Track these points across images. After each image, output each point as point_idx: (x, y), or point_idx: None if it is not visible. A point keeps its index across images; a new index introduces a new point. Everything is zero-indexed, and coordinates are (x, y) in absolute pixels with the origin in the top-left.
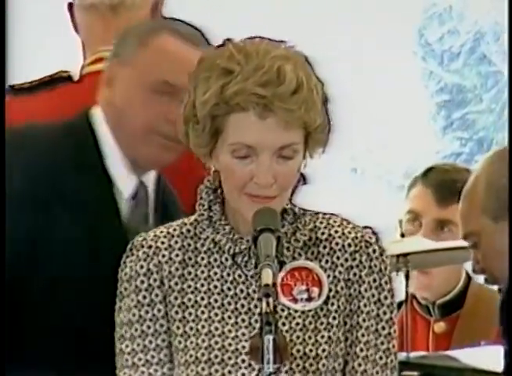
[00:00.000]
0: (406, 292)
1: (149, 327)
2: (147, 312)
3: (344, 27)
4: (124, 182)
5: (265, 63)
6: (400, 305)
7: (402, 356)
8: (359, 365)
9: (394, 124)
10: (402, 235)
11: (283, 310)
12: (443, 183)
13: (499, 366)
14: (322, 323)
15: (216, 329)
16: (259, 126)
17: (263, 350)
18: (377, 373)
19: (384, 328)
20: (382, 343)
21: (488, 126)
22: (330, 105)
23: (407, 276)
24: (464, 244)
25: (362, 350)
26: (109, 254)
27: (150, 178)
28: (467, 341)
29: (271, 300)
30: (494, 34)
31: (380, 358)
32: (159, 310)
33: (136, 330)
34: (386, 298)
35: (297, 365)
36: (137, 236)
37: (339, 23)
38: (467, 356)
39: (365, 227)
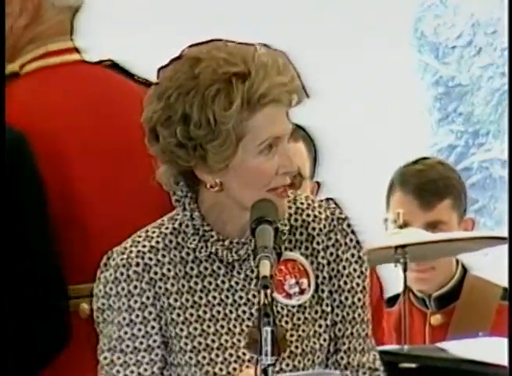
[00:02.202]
0: (404, 284)
1: (141, 343)
2: (140, 329)
3: (339, 20)
4: None
5: (263, 58)
6: (397, 297)
7: (399, 348)
8: (343, 343)
9: (389, 116)
10: (401, 227)
11: (282, 308)
12: (423, 187)
13: (498, 357)
14: (316, 312)
15: (226, 341)
16: (280, 114)
17: (261, 342)
18: (360, 345)
19: (366, 300)
20: (366, 314)
21: (483, 119)
22: (325, 97)
23: (405, 268)
24: (462, 235)
25: (347, 328)
26: None
27: None
28: (464, 333)
29: (269, 291)
30: (490, 26)
31: (363, 329)
32: (152, 327)
33: (128, 346)
34: (366, 269)
35: (308, 360)
36: (114, 253)
37: (334, 15)
38: (464, 348)
39: (327, 199)
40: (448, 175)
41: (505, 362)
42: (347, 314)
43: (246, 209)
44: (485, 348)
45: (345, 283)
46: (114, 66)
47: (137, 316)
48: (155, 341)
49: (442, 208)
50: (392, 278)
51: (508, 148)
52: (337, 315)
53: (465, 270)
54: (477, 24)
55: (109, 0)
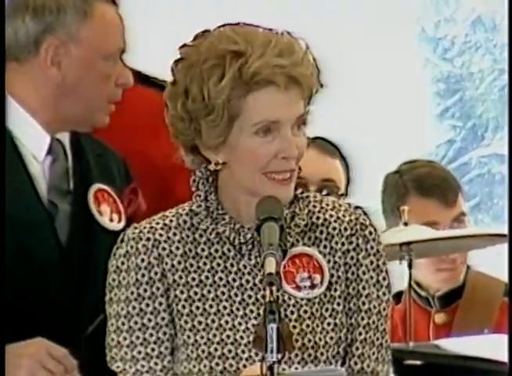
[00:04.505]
0: (409, 281)
1: (149, 321)
2: (148, 305)
3: (337, 15)
4: (37, 142)
5: (270, 38)
6: (399, 294)
7: (404, 344)
8: (357, 348)
9: (389, 111)
10: (405, 224)
11: (289, 298)
12: (441, 186)
13: (503, 354)
14: (327, 310)
15: (226, 323)
16: (282, 99)
17: (266, 339)
18: (374, 354)
19: (384, 309)
20: (381, 324)
21: (483, 114)
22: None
23: (410, 265)
24: (465, 232)
25: (360, 333)
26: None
27: (65, 135)
28: (467, 331)
29: (274, 289)
30: (490, 21)
31: (377, 339)
32: (160, 303)
33: (136, 323)
34: (384, 279)
35: (309, 355)
36: (130, 228)
37: (332, 10)
38: (469, 345)
39: (356, 207)
40: (449, 172)
41: (505, 358)
42: (362, 319)
43: (253, 194)
44: (490, 345)
45: (363, 288)
46: None
47: (145, 290)
48: (163, 318)
49: (460, 202)
50: (398, 275)
51: (508, 144)
52: (354, 320)
53: (467, 267)
54: (478, 20)
55: None
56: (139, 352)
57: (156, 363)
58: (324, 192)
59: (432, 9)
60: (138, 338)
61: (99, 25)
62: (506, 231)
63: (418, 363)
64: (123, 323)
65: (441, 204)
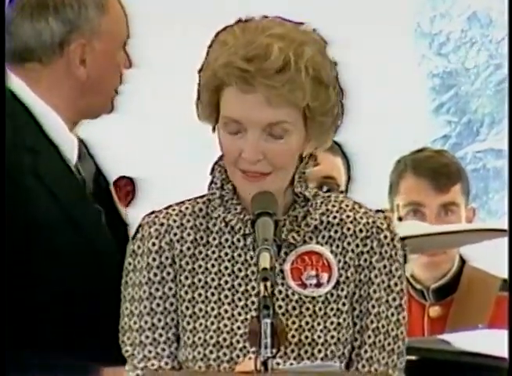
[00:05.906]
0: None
1: (158, 305)
2: (157, 289)
3: (335, 11)
4: (68, 144)
5: (257, 39)
6: None
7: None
8: (366, 352)
9: (384, 107)
10: (400, 219)
11: (293, 294)
12: (438, 170)
13: (498, 349)
14: (332, 309)
15: (226, 311)
16: (243, 101)
17: (261, 334)
18: (383, 358)
19: (393, 314)
20: (392, 329)
21: (478, 109)
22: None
23: (404, 261)
24: (462, 227)
25: (370, 337)
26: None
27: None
28: (462, 325)
29: (269, 284)
30: (486, 17)
31: (389, 344)
32: (170, 288)
33: (145, 307)
34: (396, 284)
35: (306, 351)
36: (148, 214)
37: (330, 5)
38: (465, 340)
39: (378, 211)
40: (456, 161)
41: (505, 354)
42: (372, 322)
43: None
44: (485, 341)
45: (374, 291)
46: None
47: (155, 274)
48: (172, 304)
49: (455, 192)
50: None
51: (508, 139)
52: (364, 322)
53: (463, 261)
54: (474, 16)
55: None
56: (147, 337)
57: (163, 349)
58: (324, 189)
59: (428, 5)
60: (146, 322)
61: (115, 16)
62: (502, 226)
63: (413, 358)
64: (136, 308)
65: (431, 187)
